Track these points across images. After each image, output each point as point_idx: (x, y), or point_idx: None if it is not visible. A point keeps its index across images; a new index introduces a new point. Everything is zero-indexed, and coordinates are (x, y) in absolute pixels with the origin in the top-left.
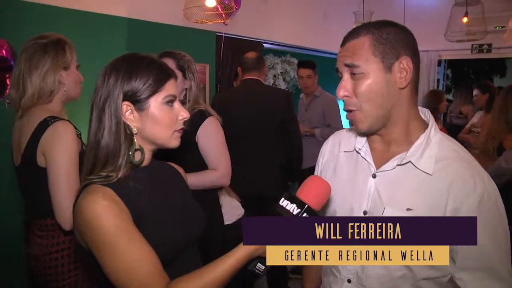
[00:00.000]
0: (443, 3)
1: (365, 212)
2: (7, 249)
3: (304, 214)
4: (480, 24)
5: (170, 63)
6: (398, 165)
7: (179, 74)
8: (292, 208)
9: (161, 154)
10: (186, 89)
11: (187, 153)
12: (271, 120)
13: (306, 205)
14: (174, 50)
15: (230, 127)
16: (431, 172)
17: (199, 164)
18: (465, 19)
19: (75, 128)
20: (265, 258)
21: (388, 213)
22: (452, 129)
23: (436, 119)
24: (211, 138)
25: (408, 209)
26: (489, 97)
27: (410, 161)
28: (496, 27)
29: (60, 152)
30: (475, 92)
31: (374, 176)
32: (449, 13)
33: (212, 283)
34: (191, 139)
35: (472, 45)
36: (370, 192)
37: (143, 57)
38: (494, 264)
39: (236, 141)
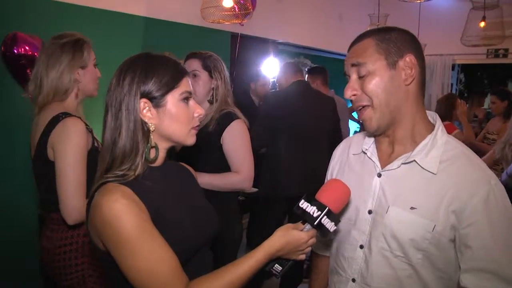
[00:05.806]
0: (460, 7)
1: (370, 211)
2: (23, 242)
3: (324, 217)
4: (497, 28)
5: (196, 63)
6: (403, 163)
7: (205, 74)
8: (313, 210)
9: (184, 153)
10: (213, 88)
11: (211, 154)
12: (326, 124)
13: (327, 208)
14: (200, 50)
15: (287, 126)
16: (435, 171)
17: (221, 165)
18: (482, 24)
19: (87, 124)
20: (283, 259)
21: (392, 211)
22: None
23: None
24: (236, 141)
25: (412, 208)
26: (508, 104)
27: (414, 160)
28: None
29: (68, 146)
30: (492, 98)
31: (379, 175)
32: (465, 17)
33: (231, 284)
34: (216, 140)
35: (488, 49)
36: (376, 191)
37: (158, 55)
38: (501, 266)
39: (292, 140)
